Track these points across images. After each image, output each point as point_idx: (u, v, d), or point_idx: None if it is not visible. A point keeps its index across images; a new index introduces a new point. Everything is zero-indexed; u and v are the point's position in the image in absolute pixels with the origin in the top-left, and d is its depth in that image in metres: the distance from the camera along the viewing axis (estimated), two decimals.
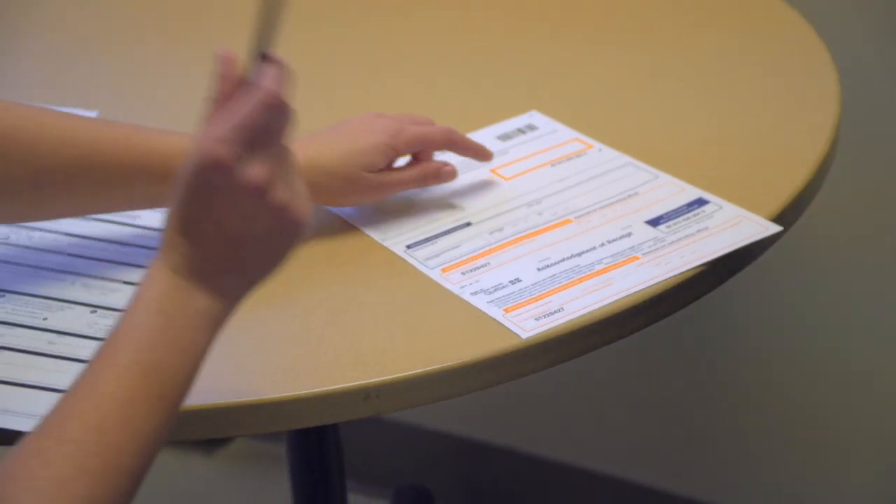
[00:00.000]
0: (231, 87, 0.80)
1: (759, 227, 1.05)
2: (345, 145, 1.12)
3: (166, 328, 0.79)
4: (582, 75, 1.31)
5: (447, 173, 1.14)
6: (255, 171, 0.79)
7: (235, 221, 0.80)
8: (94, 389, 0.77)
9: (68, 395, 0.78)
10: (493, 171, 1.17)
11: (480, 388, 0.98)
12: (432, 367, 0.96)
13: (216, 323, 0.81)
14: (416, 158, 1.14)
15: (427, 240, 1.10)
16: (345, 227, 1.12)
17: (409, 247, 1.09)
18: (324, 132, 1.14)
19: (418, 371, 0.96)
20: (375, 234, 1.10)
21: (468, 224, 1.11)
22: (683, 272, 1.01)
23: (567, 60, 1.33)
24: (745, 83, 1.28)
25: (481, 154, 1.16)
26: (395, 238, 1.10)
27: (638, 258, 1.03)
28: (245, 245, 0.81)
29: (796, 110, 1.23)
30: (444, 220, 1.12)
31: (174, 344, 0.79)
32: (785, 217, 1.05)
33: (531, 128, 1.23)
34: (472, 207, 1.13)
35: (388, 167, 1.13)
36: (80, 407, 0.76)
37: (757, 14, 1.39)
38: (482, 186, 1.16)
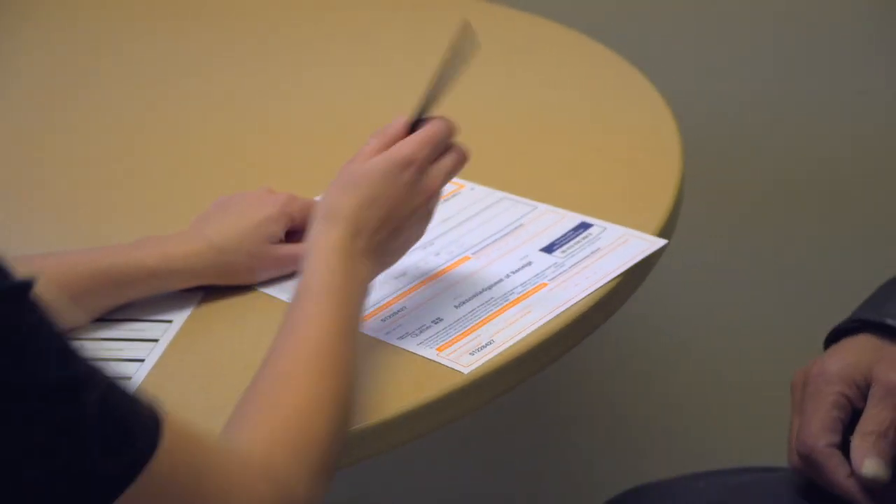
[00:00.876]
0: (393, 134, 1.06)
1: (647, 243, 1.17)
2: (241, 220, 1.17)
3: (345, 282, 1.01)
4: None
5: None
6: (433, 176, 1.05)
7: (403, 213, 1.05)
8: (297, 331, 0.97)
9: (276, 341, 0.97)
10: None
11: (431, 430, 1.05)
12: (384, 416, 1.02)
13: (367, 289, 1.04)
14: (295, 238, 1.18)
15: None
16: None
17: None
18: (214, 212, 1.19)
19: (368, 423, 1.01)
20: (284, 296, 1.15)
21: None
22: (596, 290, 1.12)
23: None
24: (597, 120, 1.41)
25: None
26: None
27: (546, 284, 1.14)
28: (400, 234, 1.06)
29: (645, 139, 1.36)
30: None
31: (352, 294, 1.01)
32: (665, 232, 1.19)
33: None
34: None
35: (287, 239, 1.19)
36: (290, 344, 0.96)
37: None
38: None
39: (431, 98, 1.06)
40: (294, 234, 1.20)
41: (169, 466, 0.81)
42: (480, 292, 1.14)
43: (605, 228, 1.19)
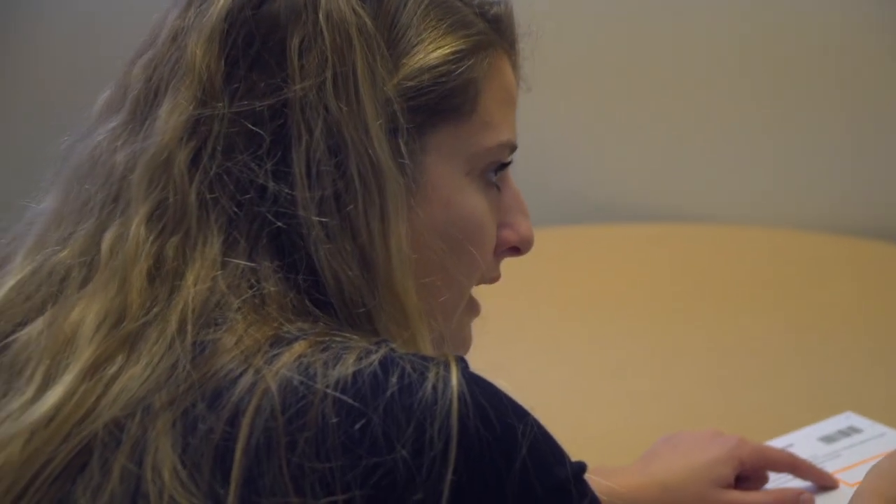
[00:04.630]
0: None
1: None
2: (689, 459, 1.12)
3: None
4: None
5: (807, 501, 1.13)
6: None
7: None
8: None
9: None
10: (834, 473, 1.18)
11: None
12: None
13: None
14: (742, 482, 1.14)
15: None
16: None
17: None
18: (661, 448, 1.14)
19: None
20: None
21: None
22: None
23: (878, 355, 1.37)
24: None
25: (827, 481, 1.15)
26: None
27: None
28: None
29: None
30: None
31: None
32: None
33: (854, 430, 1.25)
34: None
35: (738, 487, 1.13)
36: None
37: None
38: (828, 495, 1.17)
39: None
40: (746, 481, 1.14)
41: None
42: None
43: None
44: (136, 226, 0.79)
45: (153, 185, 0.79)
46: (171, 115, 0.80)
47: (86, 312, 0.78)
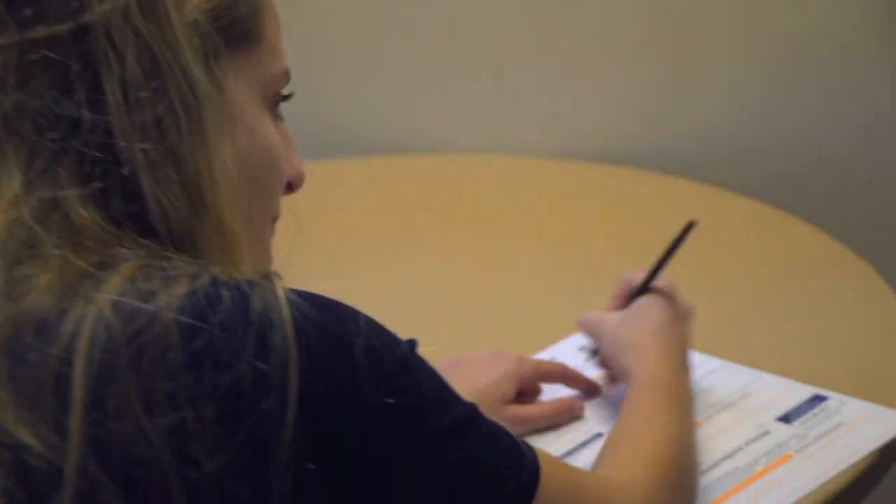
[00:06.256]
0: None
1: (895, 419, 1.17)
2: (474, 381, 1.17)
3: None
4: None
5: (579, 409, 1.22)
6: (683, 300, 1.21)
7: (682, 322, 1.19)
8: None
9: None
10: (596, 378, 1.26)
11: None
12: None
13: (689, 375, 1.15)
14: (522, 397, 1.21)
15: (567, 453, 1.17)
16: None
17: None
18: (445, 372, 1.16)
19: None
20: None
21: (600, 434, 1.19)
22: (852, 465, 1.12)
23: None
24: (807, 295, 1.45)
25: (593, 389, 1.24)
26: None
27: (791, 456, 1.14)
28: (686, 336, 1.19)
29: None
30: (574, 435, 1.19)
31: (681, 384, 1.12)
32: None
33: None
34: (595, 418, 1.22)
35: (517, 401, 1.19)
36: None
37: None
38: (595, 399, 1.24)
39: (658, 270, 1.24)
40: (523, 395, 1.21)
41: (554, 484, 0.86)
42: (722, 460, 1.15)
43: (844, 402, 1.20)
44: None
45: None
46: None
47: None
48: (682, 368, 1.15)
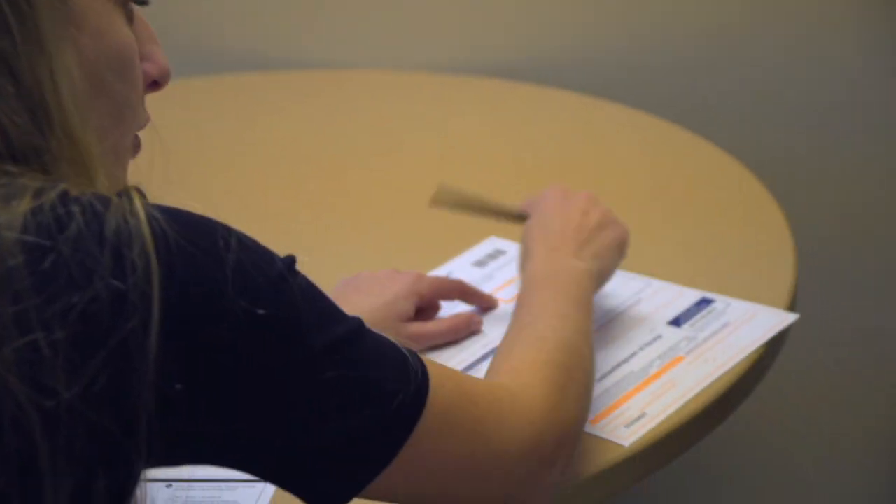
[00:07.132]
0: None
1: (777, 317, 1.23)
2: (373, 298, 1.19)
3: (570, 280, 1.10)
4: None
5: (477, 324, 1.24)
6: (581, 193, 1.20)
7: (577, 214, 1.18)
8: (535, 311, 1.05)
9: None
10: (492, 292, 1.30)
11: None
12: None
13: (590, 276, 1.13)
14: (421, 314, 1.22)
15: (467, 367, 1.20)
16: None
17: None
18: (344, 290, 1.20)
19: None
20: None
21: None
22: (738, 363, 1.18)
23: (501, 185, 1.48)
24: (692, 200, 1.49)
25: (491, 304, 1.27)
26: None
27: (683, 357, 1.19)
28: (584, 229, 1.17)
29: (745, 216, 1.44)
30: (473, 349, 1.23)
31: (570, 282, 1.10)
32: (792, 308, 1.25)
33: (500, 252, 1.37)
34: (494, 332, 1.25)
35: (416, 318, 1.21)
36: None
37: None
38: (492, 313, 1.28)
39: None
40: (422, 312, 1.24)
41: (444, 396, 0.85)
42: (618, 365, 1.19)
43: (729, 304, 1.25)
44: None
45: None
46: None
47: None
48: (571, 263, 1.13)
